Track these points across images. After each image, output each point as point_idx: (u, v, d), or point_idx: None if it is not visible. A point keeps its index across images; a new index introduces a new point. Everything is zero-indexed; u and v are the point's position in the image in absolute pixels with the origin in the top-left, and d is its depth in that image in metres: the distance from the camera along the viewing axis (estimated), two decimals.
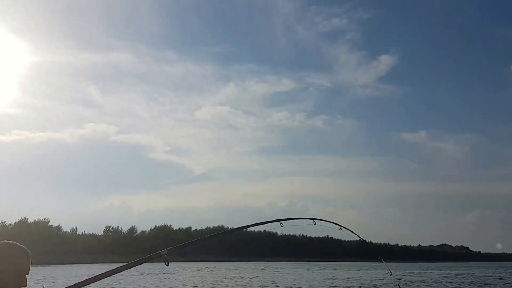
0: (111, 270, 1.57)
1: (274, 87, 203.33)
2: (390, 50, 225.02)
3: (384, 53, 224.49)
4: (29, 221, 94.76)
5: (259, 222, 2.50)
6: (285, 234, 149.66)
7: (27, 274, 2.37)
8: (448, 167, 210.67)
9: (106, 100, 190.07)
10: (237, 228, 2.76)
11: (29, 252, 2.41)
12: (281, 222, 2.80)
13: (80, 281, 1.38)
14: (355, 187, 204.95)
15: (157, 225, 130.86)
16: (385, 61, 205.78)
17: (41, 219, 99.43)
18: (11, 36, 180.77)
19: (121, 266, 1.43)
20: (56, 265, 70.15)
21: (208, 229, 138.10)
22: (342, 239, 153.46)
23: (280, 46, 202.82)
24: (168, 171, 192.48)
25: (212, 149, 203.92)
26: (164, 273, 44.93)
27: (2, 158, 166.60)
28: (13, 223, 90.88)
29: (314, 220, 3.07)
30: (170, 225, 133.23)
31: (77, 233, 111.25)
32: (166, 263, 1.61)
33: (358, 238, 4.11)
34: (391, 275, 5.37)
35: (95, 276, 1.40)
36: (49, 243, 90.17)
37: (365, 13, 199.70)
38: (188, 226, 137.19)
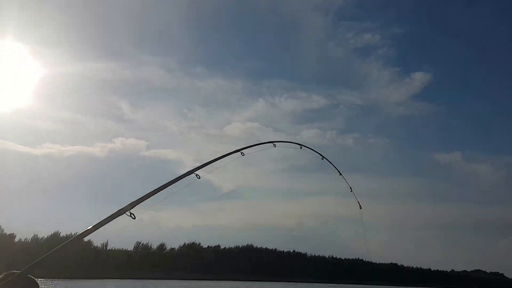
0: (86, 230, 1.51)
1: (304, 104, 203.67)
2: (424, 67, 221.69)
3: (418, 69, 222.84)
4: (61, 235, 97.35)
5: (221, 155, 2.25)
6: (314, 255, 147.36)
7: None
8: (484, 190, 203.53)
9: (136, 115, 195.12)
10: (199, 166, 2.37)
11: (38, 283, 2.45)
12: (242, 151, 2.57)
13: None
14: (386, 209, 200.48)
15: (186, 242, 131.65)
16: (419, 78, 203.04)
17: (72, 233, 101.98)
18: (42, 47, 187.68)
19: (91, 227, 1.49)
20: (87, 279, 71.54)
21: (237, 248, 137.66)
22: (373, 261, 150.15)
23: (310, 62, 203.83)
24: (196, 187, 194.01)
25: (241, 166, 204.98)
26: None
27: (34, 171, 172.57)
28: (45, 237, 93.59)
29: (274, 143, 2.86)
30: (199, 243, 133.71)
31: (108, 248, 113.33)
32: (133, 216, 1.49)
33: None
34: None
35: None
36: (80, 258, 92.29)
37: (398, 28, 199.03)
38: (217, 244, 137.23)
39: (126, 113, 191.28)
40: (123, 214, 1.36)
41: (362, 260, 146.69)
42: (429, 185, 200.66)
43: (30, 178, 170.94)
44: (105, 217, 1.39)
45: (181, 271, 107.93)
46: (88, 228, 1.33)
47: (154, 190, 1.49)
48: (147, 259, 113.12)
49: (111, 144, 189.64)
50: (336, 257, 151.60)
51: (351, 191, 4.37)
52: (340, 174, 4.30)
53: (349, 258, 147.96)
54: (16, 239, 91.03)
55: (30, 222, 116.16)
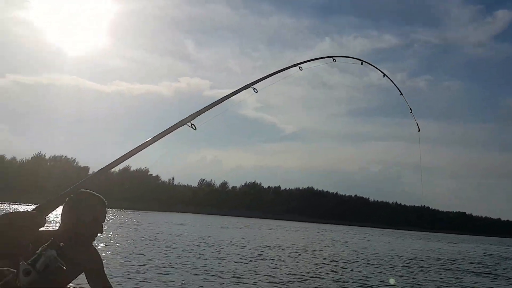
0: (146, 141, 1.33)
1: (374, 43, 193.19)
2: (508, 4, 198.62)
3: (502, 7, 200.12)
4: (131, 169, 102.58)
5: (278, 70, 2.00)
6: (377, 201, 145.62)
7: (103, 221, 2.45)
8: None
9: (201, 54, 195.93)
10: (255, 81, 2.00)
11: (105, 201, 2.47)
12: (300, 66, 2.39)
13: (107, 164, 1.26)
14: (455, 156, 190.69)
15: (247, 182, 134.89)
16: (502, 16, 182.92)
17: (142, 168, 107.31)
18: None
19: (151, 138, 1.30)
20: (154, 211, 75.44)
21: (297, 189, 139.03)
22: (441, 209, 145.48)
23: None
24: (258, 128, 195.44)
25: (304, 108, 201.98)
26: (258, 229, 45.75)
27: (103, 108, 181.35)
28: (117, 171, 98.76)
29: (334, 58, 2.79)
30: (260, 183, 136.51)
31: (174, 183, 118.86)
32: (193, 128, 1.38)
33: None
34: None
35: (123, 156, 1.28)
36: (149, 191, 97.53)
37: None
38: (278, 185, 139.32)
39: (191, 52, 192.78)
40: (184, 125, 1.40)
41: (428, 207, 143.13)
42: (502, 133, 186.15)
43: (101, 114, 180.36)
44: (166, 129, 1.30)
45: (242, 209, 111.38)
46: (148, 140, 1.28)
47: (213, 103, 1.50)
48: (210, 196, 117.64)
49: (176, 83, 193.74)
50: (400, 203, 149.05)
51: (411, 112, 4.10)
52: (401, 93, 3.99)
53: (414, 205, 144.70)
54: (90, 172, 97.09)
55: (101, 156, 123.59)
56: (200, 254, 17.86)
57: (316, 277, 13.80)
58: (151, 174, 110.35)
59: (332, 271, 15.73)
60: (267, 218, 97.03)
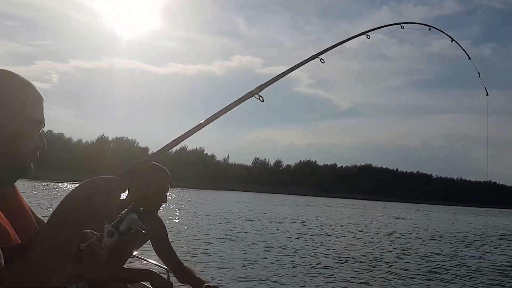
0: (213, 115, 1.37)
1: (434, 10, 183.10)
2: None
3: None
4: (188, 149, 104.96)
5: (345, 39, 1.76)
6: (440, 177, 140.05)
7: (167, 191, 2.59)
8: None
9: (252, 31, 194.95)
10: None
11: (169, 172, 2.59)
12: (367, 34, 2.10)
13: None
14: None
15: (302, 160, 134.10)
16: None
17: (197, 148, 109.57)
18: None
19: (219, 111, 1.36)
20: (209, 190, 76.98)
21: (354, 167, 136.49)
22: (508, 184, 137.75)
23: None
24: (312, 105, 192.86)
25: (360, 82, 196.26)
26: (310, 206, 45.24)
27: (159, 90, 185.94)
28: (173, 151, 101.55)
29: (402, 25, 2.55)
30: (315, 161, 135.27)
31: (229, 162, 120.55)
32: (261, 99, 1.46)
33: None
34: None
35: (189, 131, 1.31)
36: (204, 171, 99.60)
37: None
38: (333, 163, 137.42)
39: (242, 29, 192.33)
40: (251, 97, 1.47)
41: (495, 183, 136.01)
42: None
43: (158, 96, 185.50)
44: (233, 101, 1.42)
45: (297, 187, 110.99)
46: (215, 113, 1.36)
47: (280, 74, 1.57)
48: (265, 174, 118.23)
49: (228, 62, 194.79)
50: (465, 179, 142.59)
51: (479, 76, 3.69)
52: (469, 58, 3.57)
53: (480, 181, 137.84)
54: (149, 152, 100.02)
55: (159, 137, 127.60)
56: (259, 230, 17.74)
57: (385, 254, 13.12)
58: (207, 154, 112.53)
59: (397, 248, 15.13)
60: (323, 196, 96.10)
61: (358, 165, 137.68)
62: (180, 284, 2.69)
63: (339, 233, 18.65)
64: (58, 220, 0.98)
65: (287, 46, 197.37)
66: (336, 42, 1.97)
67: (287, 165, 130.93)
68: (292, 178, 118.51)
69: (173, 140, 1.33)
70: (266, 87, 1.54)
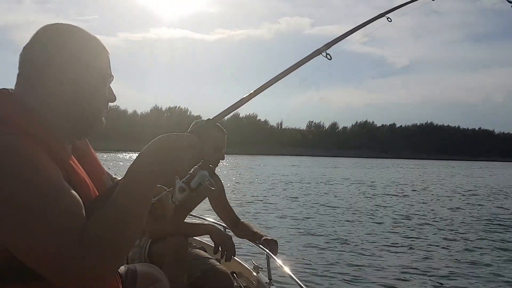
0: (279, 74, 1.33)
1: None
2: None
3: None
4: (240, 116, 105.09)
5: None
6: (503, 132, 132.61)
7: (224, 149, 2.58)
8: None
9: None
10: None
11: (224, 130, 2.61)
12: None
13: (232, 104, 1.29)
14: None
15: (358, 121, 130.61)
16: None
17: (250, 114, 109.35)
18: None
19: (284, 71, 1.32)
20: (264, 155, 77.11)
21: (414, 125, 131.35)
22: None
23: None
24: (366, 64, 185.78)
25: (414, 37, 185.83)
26: (370, 168, 43.92)
27: (208, 57, 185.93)
28: (226, 118, 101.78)
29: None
30: (372, 122, 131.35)
31: (283, 127, 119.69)
32: (329, 57, 1.42)
33: None
34: None
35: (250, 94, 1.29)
36: (258, 136, 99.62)
37: None
38: (392, 122, 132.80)
39: None
40: (319, 54, 1.44)
41: None
42: None
43: (207, 64, 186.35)
44: (300, 59, 1.38)
45: (354, 149, 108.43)
46: (280, 72, 1.34)
47: (348, 31, 1.56)
48: (320, 137, 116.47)
49: (276, 25, 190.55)
50: None
51: None
52: None
53: None
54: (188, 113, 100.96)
55: (210, 104, 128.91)
56: (319, 192, 17.40)
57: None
58: (260, 119, 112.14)
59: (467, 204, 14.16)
60: (383, 158, 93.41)
61: (418, 124, 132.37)
62: (239, 240, 2.71)
63: (401, 192, 17.84)
64: (135, 172, 1.00)
65: (337, 4, 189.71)
66: (403, 2, 1.87)
67: (343, 127, 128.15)
68: (349, 140, 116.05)
69: (238, 102, 1.29)
70: (333, 44, 1.50)
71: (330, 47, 1.47)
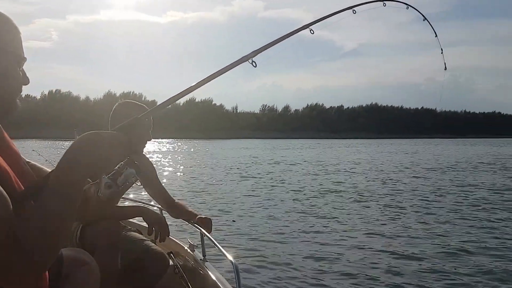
0: (208, 76, 1.42)
1: None
2: None
3: None
4: (196, 100, 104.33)
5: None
6: (445, 110, 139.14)
7: (151, 129, 2.45)
8: None
9: None
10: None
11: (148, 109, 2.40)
12: (353, 9, 1.97)
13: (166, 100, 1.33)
14: None
15: (309, 104, 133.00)
16: None
17: (206, 99, 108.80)
18: None
19: (211, 75, 1.42)
20: (220, 139, 77.07)
21: (360, 107, 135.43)
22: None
23: None
24: (316, 47, 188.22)
25: (363, 21, 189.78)
26: (315, 148, 45.22)
27: (160, 40, 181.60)
28: (182, 103, 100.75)
29: (384, 2, 2.29)
30: (322, 104, 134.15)
31: (238, 111, 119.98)
32: (254, 65, 1.51)
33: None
34: None
35: (182, 91, 1.36)
36: (214, 120, 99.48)
37: None
38: (340, 104, 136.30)
39: None
40: (246, 61, 1.52)
41: (499, 113, 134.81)
42: None
43: (159, 47, 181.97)
44: (229, 64, 1.50)
45: (306, 131, 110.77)
46: (209, 75, 1.42)
47: (276, 40, 1.65)
48: (274, 120, 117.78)
49: (230, 7, 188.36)
50: (469, 111, 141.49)
51: (436, 36, 2.99)
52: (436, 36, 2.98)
53: (484, 112, 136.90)
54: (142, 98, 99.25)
55: (160, 88, 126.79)
56: (268, 173, 17.70)
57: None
58: (215, 104, 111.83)
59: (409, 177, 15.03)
60: (332, 138, 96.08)
61: (364, 105, 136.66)
62: (174, 220, 2.74)
63: (348, 170, 18.61)
64: (64, 168, 0.96)
65: None
66: (324, 15, 1.95)
67: (295, 109, 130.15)
68: (301, 122, 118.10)
69: (171, 97, 1.33)
70: (259, 53, 1.56)
71: (257, 54, 1.53)
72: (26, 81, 1.14)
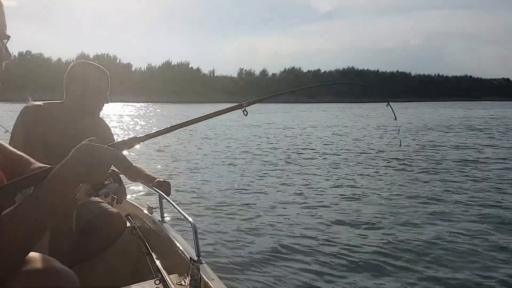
0: (193, 119, 1.52)
1: None
2: None
3: None
4: (172, 63, 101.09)
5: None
6: (419, 74, 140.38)
7: (107, 91, 2.45)
8: None
9: None
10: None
11: (106, 71, 2.46)
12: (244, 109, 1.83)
13: (159, 129, 1.37)
14: (499, 19, 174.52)
15: (287, 68, 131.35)
16: None
17: (182, 62, 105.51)
18: None
19: (202, 116, 1.52)
20: (197, 103, 75.50)
21: (337, 71, 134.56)
22: (483, 77, 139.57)
23: None
24: (292, 10, 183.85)
25: None
26: (288, 112, 44.49)
27: (142, 3, 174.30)
28: (158, 66, 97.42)
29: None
30: (299, 68, 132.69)
31: (215, 75, 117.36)
32: (245, 113, 1.62)
33: None
34: None
35: (175, 125, 1.44)
36: (191, 84, 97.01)
37: None
38: (317, 68, 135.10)
39: None
40: (239, 109, 1.62)
41: (470, 76, 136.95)
42: None
43: (140, 10, 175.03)
44: (220, 109, 1.63)
45: (284, 95, 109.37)
46: (202, 115, 1.54)
47: (267, 96, 1.87)
48: (251, 84, 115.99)
49: None
50: (442, 75, 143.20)
51: (395, 119, 2.47)
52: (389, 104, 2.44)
53: (456, 76, 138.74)
54: (133, 68, 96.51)
55: (144, 53, 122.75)
56: (243, 136, 16.77)
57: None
58: (192, 67, 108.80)
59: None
60: (310, 103, 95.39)
61: (340, 69, 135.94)
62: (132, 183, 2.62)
63: (323, 135, 17.71)
64: (60, 178, 0.96)
65: None
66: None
67: (273, 73, 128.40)
68: (279, 87, 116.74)
69: (165, 128, 1.36)
70: (254, 103, 1.66)
71: (251, 104, 1.58)
72: (8, 57, 1.11)
